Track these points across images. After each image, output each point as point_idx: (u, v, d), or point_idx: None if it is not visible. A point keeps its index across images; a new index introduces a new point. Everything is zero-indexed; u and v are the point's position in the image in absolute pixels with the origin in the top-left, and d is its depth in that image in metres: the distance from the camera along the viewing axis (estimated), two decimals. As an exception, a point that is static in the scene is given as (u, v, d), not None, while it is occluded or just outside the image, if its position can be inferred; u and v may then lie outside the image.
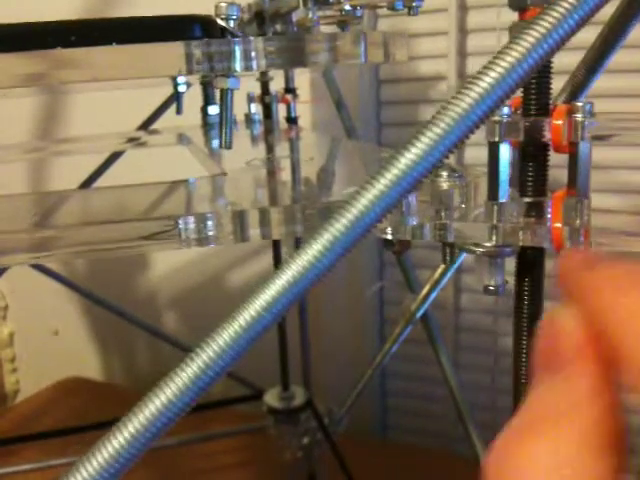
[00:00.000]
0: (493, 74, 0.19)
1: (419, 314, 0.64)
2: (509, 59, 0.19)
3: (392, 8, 0.43)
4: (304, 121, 0.83)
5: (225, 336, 0.22)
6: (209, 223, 0.33)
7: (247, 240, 0.35)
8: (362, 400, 0.84)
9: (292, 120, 0.76)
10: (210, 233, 0.34)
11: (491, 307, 0.94)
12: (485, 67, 0.19)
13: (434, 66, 0.93)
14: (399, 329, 0.68)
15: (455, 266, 0.65)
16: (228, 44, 0.32)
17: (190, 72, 0.32)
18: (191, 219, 0.33)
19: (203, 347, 0.22)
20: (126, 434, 0.22)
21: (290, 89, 0.76)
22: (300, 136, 0.71)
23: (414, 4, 0.43)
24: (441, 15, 0.89)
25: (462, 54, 0.91)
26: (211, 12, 0.36)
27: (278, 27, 0.59)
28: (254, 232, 0.34)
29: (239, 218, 0.34)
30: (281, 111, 0.76)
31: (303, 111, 0.82)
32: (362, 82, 0.96)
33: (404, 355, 0.95)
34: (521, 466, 0.16)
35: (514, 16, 0.30)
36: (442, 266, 0.60)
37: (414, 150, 0.20)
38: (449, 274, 0.61)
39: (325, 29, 0.55)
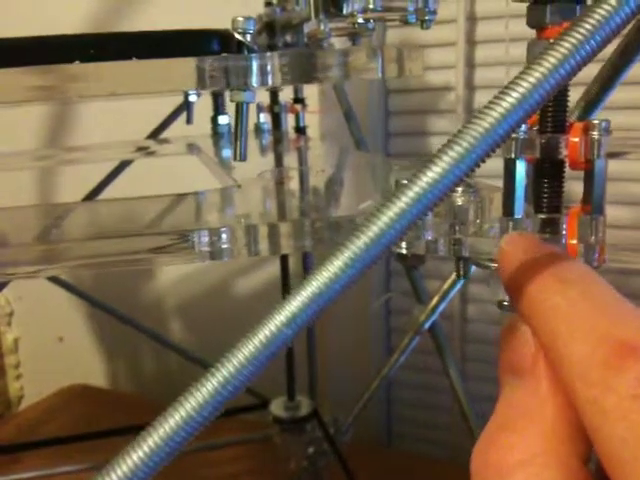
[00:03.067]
0: (515, 94, 0.19)
1: (427, 325, 0.64)
2: (531, 79, 0.19)
3: (405, 22, 0.44)
4: (312, 131, 0.83)
5: (245, 351, 0.22)
6: (223, 237, 0.33)
7: (258, 254, 0.35)
8: (368, 410, 0.84)
9: (300, 130, 0.76)
10: (224, 247, 0.34)
11: (498, 318, 0.94)
12: (508, 86, 0.20)
13: (442, 77, 0.93)
14: (407, 340, 0.68)
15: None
16: (245, 60, 0.32)
17: (205, 87, 0.32)
18: (205, 233, 0.33)
19: (223, 362, 0.22)
20: (146, 448, 0.22)
21: (299, 99, 0.76)
22: (309, 146, 0.71)
23: (427, 18, 0.43)
24: (450, 26, 0.90)
25: (470, 65, 0.91)
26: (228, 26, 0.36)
27: (288, 38, 0.59)
28: (263, 246, 0.35)
29: (251, 232, 0.34)
30: (290, 121, 0.77)
31: (311, 121, 0.82)
32: (371, 92, 0.97)
33: (410, 365, 0.95)
34: (500, 460, 0.18)
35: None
36: (451, 277, 0.60)
37: (435, 169, 0.20)
38: (458, 286, 0.61)
39: (336, 41, 0.55)
